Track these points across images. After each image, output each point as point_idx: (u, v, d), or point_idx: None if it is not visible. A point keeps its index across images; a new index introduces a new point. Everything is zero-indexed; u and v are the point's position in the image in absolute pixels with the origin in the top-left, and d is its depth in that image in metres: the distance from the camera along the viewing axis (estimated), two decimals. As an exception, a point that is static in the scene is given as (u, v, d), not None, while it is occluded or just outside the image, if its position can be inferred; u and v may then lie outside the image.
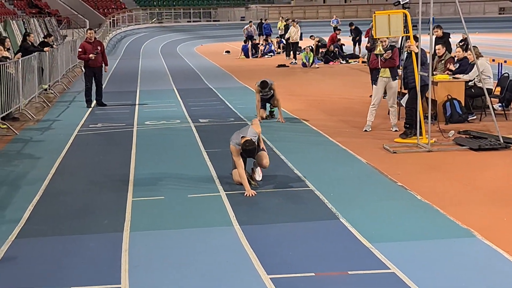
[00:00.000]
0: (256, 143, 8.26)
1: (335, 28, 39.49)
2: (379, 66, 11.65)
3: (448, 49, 15.26)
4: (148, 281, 5.53)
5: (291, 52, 28.77)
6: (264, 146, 8.72)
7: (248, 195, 7.89)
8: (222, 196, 7.92)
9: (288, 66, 26.05)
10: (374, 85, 12.05)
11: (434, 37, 13.35)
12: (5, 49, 14.05)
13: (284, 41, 31.32)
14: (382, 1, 59.48)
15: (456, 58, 14.16)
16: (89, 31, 16.45)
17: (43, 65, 17.49)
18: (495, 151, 10.15)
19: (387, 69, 11.59)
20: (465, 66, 13.75)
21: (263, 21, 39.52)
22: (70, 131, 12.61)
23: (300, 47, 33.05)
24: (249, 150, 8.13)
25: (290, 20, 37.68)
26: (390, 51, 11.54)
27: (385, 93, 11.96)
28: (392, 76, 11.62)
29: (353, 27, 30.17)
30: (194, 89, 19.29)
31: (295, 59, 27.87)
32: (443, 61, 14.16)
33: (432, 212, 7.21)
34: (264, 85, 13.03)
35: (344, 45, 29.77)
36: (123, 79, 22.61)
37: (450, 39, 16.79)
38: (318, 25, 42.32)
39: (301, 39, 30.86)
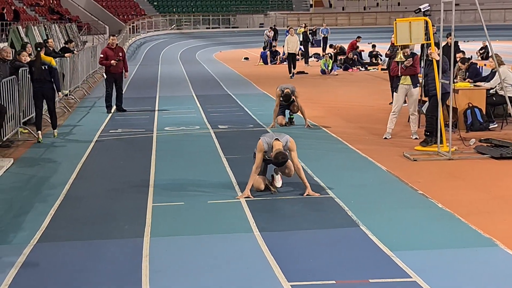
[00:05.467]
0: (287, 155, 8.15)
1: (325, 38, 39.47)
2: (400, 73, 11.60)
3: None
4: (168, 287, 5.54)
5: (292, 64, 24.77)
6: (298, 164, 8.26)
7: (239, 197, 8.04)
8: (242, 202, 7.91)
9: (307, 73, 26.01)
10: (394, 93, 12.01)
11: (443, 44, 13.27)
12: (28, 55, 14.16)
13: (303, 48, 31.24)
14: (401, 8, 59.36)
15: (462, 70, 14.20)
16: (111, 37, 16.50)
17: (64, 70, 17.61)
18: (517, 159, 10.08)
19: (408, 77, 11.54)
20: (473, 71, 13.75)
21: (276, 27, 39.80)
22: (91, 136, 12.69)
23: (318, 54, 33.10)
24: (279, 163, 8.11)
25: (308, 27, 37.72)
26: (411, 58, 11.49)
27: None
28: (413, 84, 11.57)
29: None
30: (213, 95, 19.34)
31: (291, 73, 24.52)
32: (463, 69, 14.11)
33: (453, 220, 7.16)
34: (287, 98, 13.09)
35: (363, 51, 29.68)
36: (142, 85, 22.72)
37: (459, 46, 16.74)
38: (337, 33, 42.23)
39: (304, 47, 29.59)
